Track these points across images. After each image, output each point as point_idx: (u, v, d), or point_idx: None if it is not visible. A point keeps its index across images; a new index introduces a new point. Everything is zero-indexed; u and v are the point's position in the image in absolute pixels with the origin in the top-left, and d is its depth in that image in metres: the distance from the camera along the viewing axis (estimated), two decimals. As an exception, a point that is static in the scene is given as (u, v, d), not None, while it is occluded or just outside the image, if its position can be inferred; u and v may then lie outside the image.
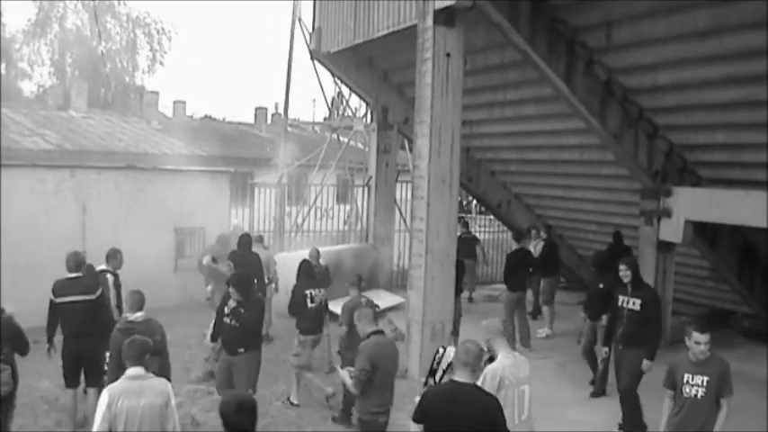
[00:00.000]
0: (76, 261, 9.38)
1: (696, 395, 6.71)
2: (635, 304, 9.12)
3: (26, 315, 8.95)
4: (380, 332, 7.26)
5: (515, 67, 13.35)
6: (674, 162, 12.91)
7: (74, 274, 9.24)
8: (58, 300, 9.07)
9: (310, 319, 10.36)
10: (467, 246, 16.51)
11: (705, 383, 6.68)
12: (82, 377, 9.15)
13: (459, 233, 14.43)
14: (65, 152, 16.56)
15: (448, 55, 11.21)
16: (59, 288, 9.13)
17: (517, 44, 11.75)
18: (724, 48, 10.11)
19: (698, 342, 6.72)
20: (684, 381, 6.77)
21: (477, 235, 19.76)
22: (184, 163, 17.45)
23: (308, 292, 10.31)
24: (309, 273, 10.66)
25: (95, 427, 5.59)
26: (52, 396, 9.57)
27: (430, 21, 11.22)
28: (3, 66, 41.26)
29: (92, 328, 8.95)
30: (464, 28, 11.36)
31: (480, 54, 13.63)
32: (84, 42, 42.23)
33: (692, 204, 12.44)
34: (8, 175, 14.11)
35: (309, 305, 10.29)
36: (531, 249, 14.57)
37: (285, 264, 13.36)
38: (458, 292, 12.16)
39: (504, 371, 6.10)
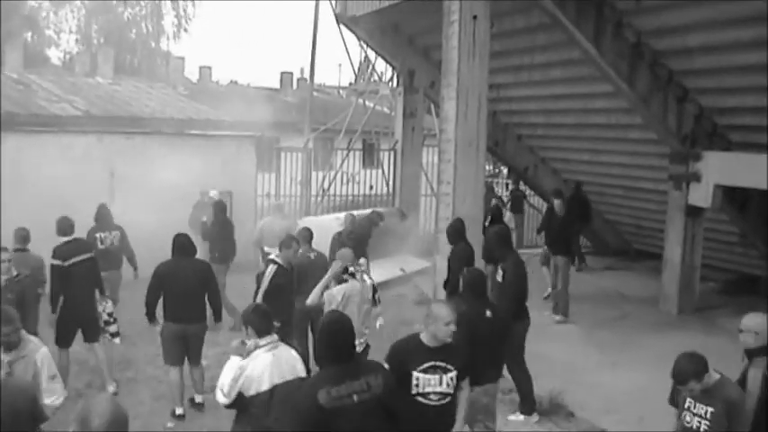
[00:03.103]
0: (70, 224, 9.63)
1: (698, 429, 5.26)
2: (500, 276, 8.83)
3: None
4: None
5: (543, 29, 13.20)
6: (704, 126, 12.75)
7: (69, 237, 9.49)
8: (68, 263, 9.19)
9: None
10: (518, 202, 16.76)
11: (709, 415, 5.20)
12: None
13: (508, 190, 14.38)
14: (92, 118, 16.62)
15: (474, 17, 11.08)
16: (66, 251, 9.27)
17: (545, 6, 11.62)
18: (755, 9, 9.92)
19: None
20: (686, 406, 5.36)
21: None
22: (210, 128, 17.46)
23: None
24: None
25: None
26: (82, 357, 9.67)
27: (457, -18, 11.10)
28: (30, 33, 41.37)
29: (94, 286, 9.49)
30: (490, -10, 11.24)
31: (507, 17, 13.48)
32: (110, 9, 42.26)
33: (721, 169, 12.29)
34: (37, 140, 14.23)
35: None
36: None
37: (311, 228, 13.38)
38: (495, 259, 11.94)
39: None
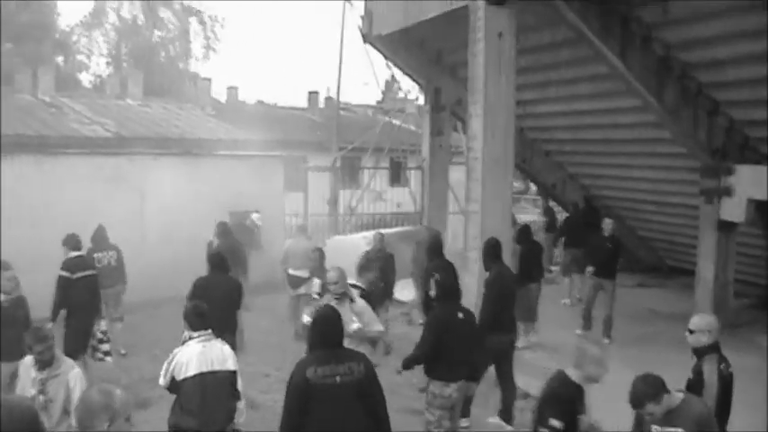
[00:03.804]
0: (78, 240, 10.25)
1: None
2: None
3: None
4: None
5: (569, 44, 13.13)
6: (735, 139, 12.59)
7: (77, 253, 10.09)
8: (75, 276, 9.71)
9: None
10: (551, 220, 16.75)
11: None
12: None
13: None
14: (123, 139, 16.81)
15: (500, 34, 11.07)
16: (74, 265, 9.84)
17: (570, 21, 11.55)
18: (787, 19, 9.82)
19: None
20: None
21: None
22: (238, 148, 17.58)
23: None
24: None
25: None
26: (114, 376, 9.70)
27: (481, 0, 11.09)
28: (62, 57, 42.01)
29: (97, 300, 10.15)
30: (516, 6, 11.21)
31: (533, 32, 13.44)
32: (139, 32, 42.81)
33: (754, 182, 12.10)
34: (69, 162, 14.38)
35: None
36: None
37: (339, 247, 13.42)
38: (534, 276, 11.90)
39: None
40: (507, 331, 8.92)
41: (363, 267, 11.50)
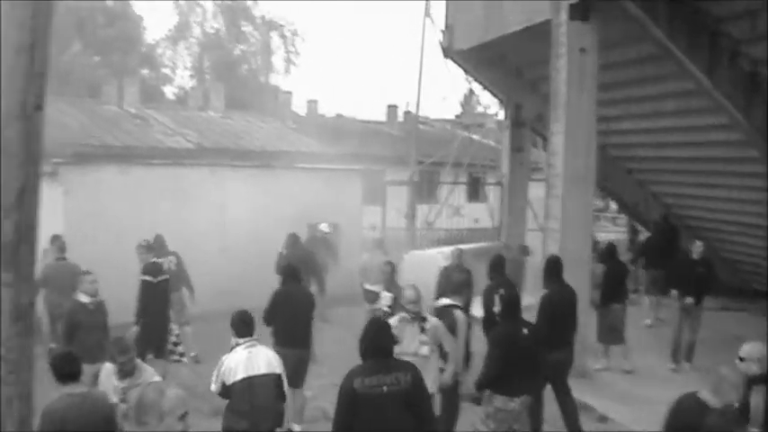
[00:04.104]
0: (152, 247, 10.94)
1: None
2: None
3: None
4: None
5: (653, 60, 12.88)
6: (826, 160, 12.18)
7: (155, 259, 10.64)
8: (156, 280, 10.22)
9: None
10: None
11: None
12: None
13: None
14: (205, 151, 17.08)
15: (583, 50, 10.93)
16: (154, 269, 10.36)
17: (655, 37, 11.34)
18: None
19: None
20: None
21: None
22: (318, 161, 17.70)
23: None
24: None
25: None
26: (191, 382, 9.84)
27: (564, 15, 10.97)
28: (147, 70, 43.04)
29: (168, 304, 10.64)
30: (599, 22, 11.05)
31: (616, 48, 13.21)
32: (222, 45, 43.59)
33: None
34: (153, 172, 14.68)
35: None
36: None
37: (416, 262, 13.39)
38: (617, 297, 11.64)
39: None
40: (561, 349, 8.79)
41: (443, 283, 11.42)
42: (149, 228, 12.85)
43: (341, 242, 15.35)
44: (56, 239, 11.25)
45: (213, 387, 6.97)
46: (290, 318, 8.96)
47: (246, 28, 45.06)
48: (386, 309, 9.92)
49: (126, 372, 6.20)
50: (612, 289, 11.50)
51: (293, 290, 9.15)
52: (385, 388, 5.68)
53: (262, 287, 9.39)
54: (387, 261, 11.40)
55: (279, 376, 7.04)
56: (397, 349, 6.72)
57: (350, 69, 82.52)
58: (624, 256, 16.68)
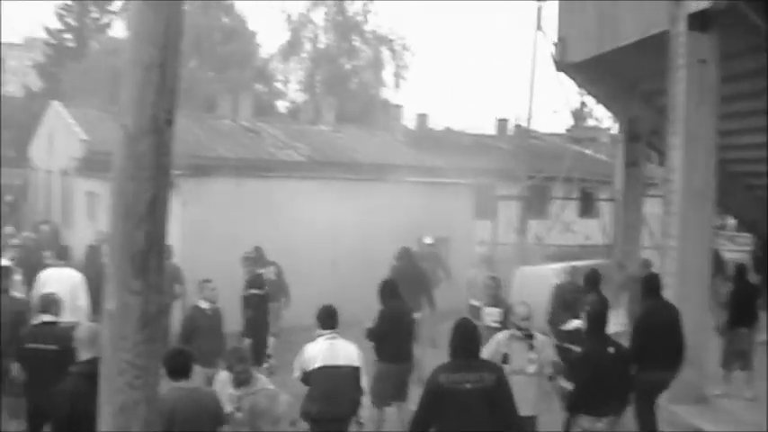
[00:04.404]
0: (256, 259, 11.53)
1: None
2: None
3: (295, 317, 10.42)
4: None
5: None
6: None
7: (260, 271, 11.31)
8: (263, 292, 10.97)
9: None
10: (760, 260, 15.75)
11: None
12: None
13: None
14: (315, 164, 17.35)
15: (702, 61, 10.60)
16: (259, 282, 11.02)
17: (781, 48, 10.93)
18: None
19: None
20: None
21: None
22: (427, 175, 17.73)
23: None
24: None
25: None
26: (299, 391, 9.96)
27: (682, 26, 10.66)
28: (260, 85, 44.08)
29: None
30: (718, 32, 10.70)
31: (735, 59, 12.78)
32: (333, 60, 44.26)
33: None
34: (266, 185, 14.99)
35: None
36: None
37: (527, 278, 13.22)
38: (745, 320, 11.02)
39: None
40: (657, 369, 8.46)
41: (556, 301, 11.21)
42: (261, 239, 13.12)
43: (451, 257, 15.29)
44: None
45: (296, 374, 7.46)
46: (394, 334, 9.09)
47: (357, 42, 45.64)
48: (494, 324, 9.79)
49: (242, 380, 6.37)
50: (740, 312, 10.97)
51: (396, 306, 9.27)
52: (469, 385, 5.91)
53: (370, 301, 9.44)
54: (491, 276, 11.24)
55: (356, 369, 7.48)
56: (507, 368, 6.72)
57: (460, 83, 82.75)
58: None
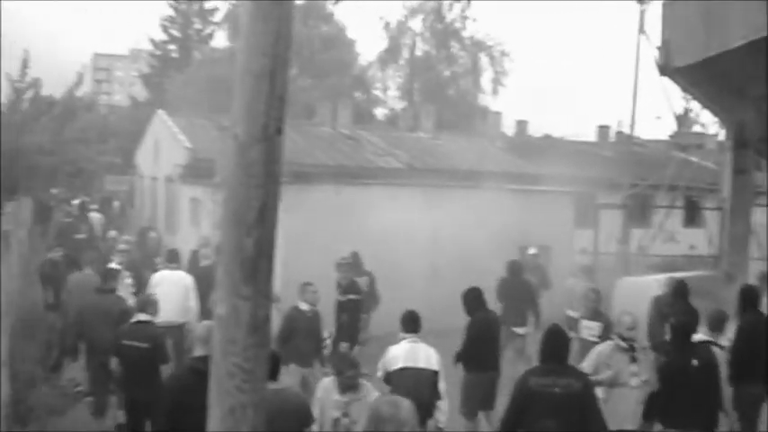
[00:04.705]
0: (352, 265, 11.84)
1: None
2: None
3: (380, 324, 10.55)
4: None
5: None
6: None
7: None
8: (359, 297, 11.34)
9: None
10: None
11: None
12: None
13: None
14: (414, 170, 17.38)
15: (817, 65, 10.21)
16: (356, 289, 11.34)
17: None
18: None
19: None
20: None
21: None
22: (528, 182, 17.56)
23: None
24: None
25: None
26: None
27: (799, 27, 10.30)
28: (359, 92, 44.50)
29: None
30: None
31: None
32: (431, 67, 44.33)
33: None
34: (365, 191, 15.10)
35: None
36: None
37: (628, 289, 12.93)
38: None
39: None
40: (755, 383, 8.17)
41: (654, 315, 10.91)
42: (360, 246, 13.22)
43: (551, 266, 15.09)
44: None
45: (379, 374, 7.82)
46: (482, 344, 9.20)
47: (455, 49, 45.60)
48: (592, 339, 9.60)
49: (350, 386, 6.47)
50: None
51: (483, 315, 9.37)
52: (558, 389, 6.18)
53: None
54: (592, 288, 11.00)
55: (435, 372, 7.84)
56: (607, 380, 6.66)
57: (560, 89, 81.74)
58: None
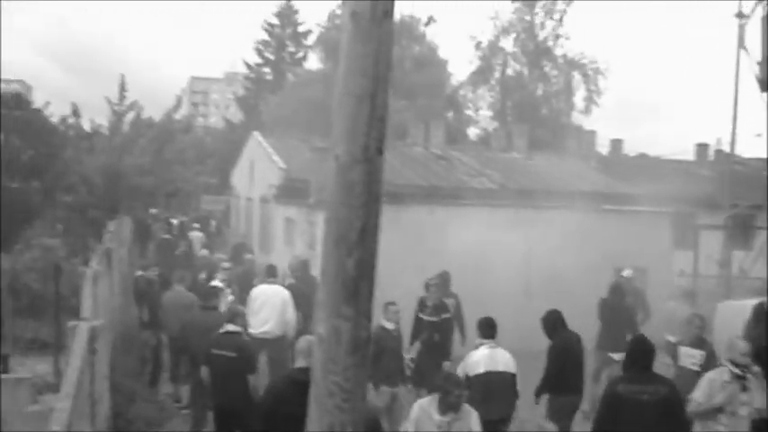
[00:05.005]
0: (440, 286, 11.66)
1: None
2: None
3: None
4: None
5: None
6: None
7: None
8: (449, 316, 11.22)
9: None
10: None
11: None
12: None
13: None
14: (507, 191, 17.24)
15: None
16: (442, 308, 11.09)
17: None
18: None
19: None
20: None
21: None
22: (623, 202, 17.21)
23: None
24: None
25: None
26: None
27: None
28: (451, 113, 44.52)
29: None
30: None
31: None
32: (524, 86, 44.02)
33: None
34: (458, 212, 15.05)
35: None
36: None
37: (729, 314, 12.52)
38: None
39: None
40: None
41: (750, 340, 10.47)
42: (452, 266, 13.14)
43: (648, 289, 14.71)
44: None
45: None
46: (564, 367, 9.04)
47: (548, 68, 45.19)
48: (693, 368, 9.21)
49: (453, 405, 6.55)
50: None
51: (564, 337, 9.22)
52: (646, 396, 6.43)
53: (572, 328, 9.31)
54: (697, 314, 10.39)
55: (513, 375, 8.34)
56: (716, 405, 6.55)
57: (656, 107, 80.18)
58: None
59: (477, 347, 8.51)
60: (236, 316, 8.86)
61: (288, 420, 5.80)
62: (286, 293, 11.71)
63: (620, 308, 11.99)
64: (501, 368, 8.25)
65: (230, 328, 8.62)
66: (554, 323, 9.27)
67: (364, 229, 2.81)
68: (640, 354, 6.78)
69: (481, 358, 8.26)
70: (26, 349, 13.06)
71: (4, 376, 6.49)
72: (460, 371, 8.20)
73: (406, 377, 10.37)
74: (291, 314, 11.51)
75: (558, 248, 14.56)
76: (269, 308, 11.23)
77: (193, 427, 10.27)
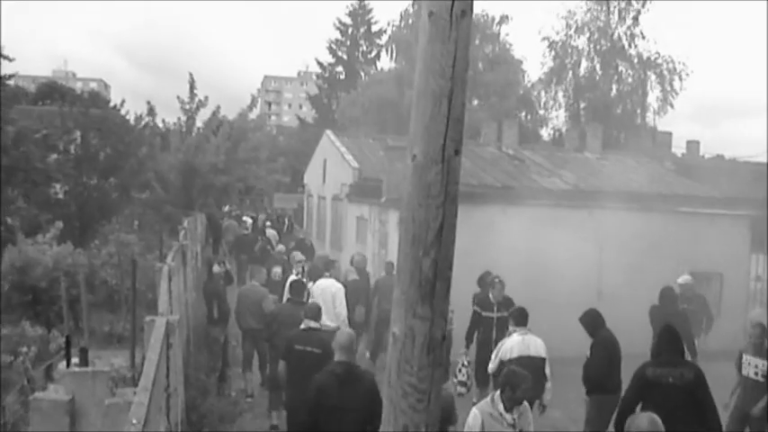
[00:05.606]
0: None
1: None
2: None
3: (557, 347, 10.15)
4: None
5: None
6: None
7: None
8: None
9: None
10: None
11: None
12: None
13: None
14: (580, 192, 17.03)
15: None
16: (505, 305, 11.22)
17: None
18: None
19: None
20: None
21: None
22: (699, 205, 16.85)
23: None
24: None
25: None
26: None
27: None
28: (524, 113, 44.18)
29: None
30: None
31: None
32: (597, 86, 43.37)
33: None
34: (531, 212, 14.93)
35: None
36: None
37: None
38: None
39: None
40: None
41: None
42: (525, 266, 13.05)
43: (725, 293, 14.39)
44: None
45: (491, 366, 9.21)
46: (606, 364, 9.11)
47: (622, 68, 44.43)
48: (756, 378, 8.94)
49: (518, 401, 6.68)
50: None
51: (604, 336, 9.29)
52: (671, 379, 6.82)
53: (636, 335, 9.19)
54: (758, 323, 9.94)
55: (544, 360, 9.11)
56: None
57: (734, 108, 78.25)
58: None
59: (509, 335, 9.39)
60: (316, 312, 8.98)
61: (331, 413, 6.04)
62: (336, 287, 12.16)
63: (669, 314, 11.26)
64: (532, 353, 9.03)
65: (312, 324, 8.74)
66: (594, 321, 9.38)
67: (441, 230, 2.79)
68: (667, 342, 7.16)
69: (515, 344, 9.08)
70: (103, 342, 13.42)
71: (83, 369, 6.66)
72: (494, 357, 9.12)
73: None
74: (342, 308, 11.93)
75: (631, 251, 14.35)
76: (321, 302, 11.42)
77: (271, 407, 10.87)
